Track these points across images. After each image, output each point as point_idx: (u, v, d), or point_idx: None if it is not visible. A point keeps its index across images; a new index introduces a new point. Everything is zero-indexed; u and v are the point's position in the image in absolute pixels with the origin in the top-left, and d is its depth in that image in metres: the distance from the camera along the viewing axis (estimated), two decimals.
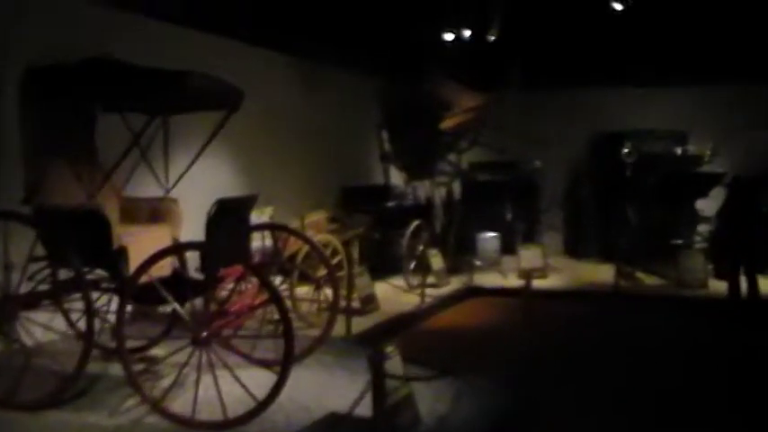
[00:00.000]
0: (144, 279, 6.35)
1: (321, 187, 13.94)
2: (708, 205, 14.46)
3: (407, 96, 15.31)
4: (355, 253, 11.90)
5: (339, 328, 9.04)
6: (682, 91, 16.77)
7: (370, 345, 8.83)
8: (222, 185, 10.88)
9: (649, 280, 14.01)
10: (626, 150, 15.02)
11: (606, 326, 11.35)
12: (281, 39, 13.05)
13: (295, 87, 13.92)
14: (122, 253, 6.73)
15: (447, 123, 14.57)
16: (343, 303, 9.20)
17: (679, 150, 15.33)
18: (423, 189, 16.07)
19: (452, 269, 14.23)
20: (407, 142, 15.34)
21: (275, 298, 6.12)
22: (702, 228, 14.73)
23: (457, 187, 17.06)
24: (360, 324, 10.03)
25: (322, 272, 9.90)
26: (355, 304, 10.60)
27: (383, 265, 13.26)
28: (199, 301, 6.99)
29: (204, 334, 6.19)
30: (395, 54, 15.05)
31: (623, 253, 14.18)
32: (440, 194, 16.60)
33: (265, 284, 6.27)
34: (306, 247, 9.54)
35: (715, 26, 14.22)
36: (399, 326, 10.55)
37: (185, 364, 6.32)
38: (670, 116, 16.54)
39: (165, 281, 6.74)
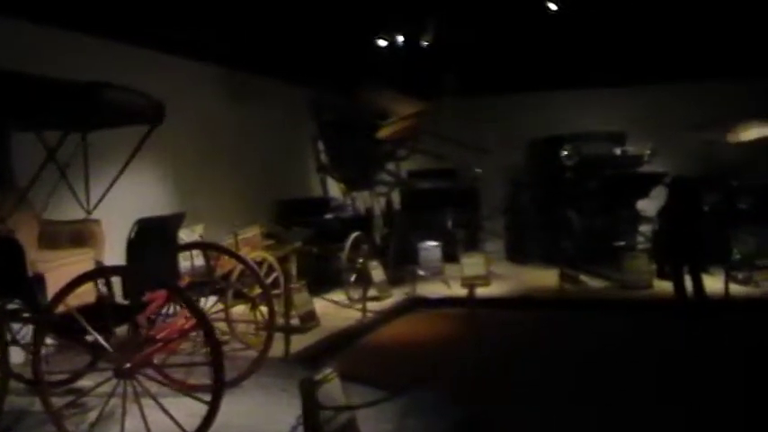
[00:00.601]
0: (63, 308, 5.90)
1: (256, 202, 13.50)
2: (649, 205, 14.40)
3: (342, 106, 14.96)
4: (293, 269, 11.49)
5: (278, 348, 8.69)
6: (618, 92, 16.78)
7: (310, 365, 8.54)
8: (150, 204, 10.39)
9: (594, 283, 13.83)
10: (565, 153, 14.88)
11: (552, 332, 11.11)
12: (209, 49, 12.67)
13: (225, 99, 13.50)
14: (39, 281, 6.25)
15: (384, 132, 14.24)
16: (281, 322, 8.83)
17: (618, 151, 15.20)
18: (362, 200, 15.72)
19: (395, 280, 13.91)
20: (344, 153, 14.97)
21: (202, 322, 5.71)
22: (644, 228, 14.65)
23: (396, 196, 16.75)
24: (300, 342, 9.63)
25: (258, 290, 9.51)
26: (295, 322, 10.24)
27: (323, 280, 12.88)
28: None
29: (127, 365, 5.74)
30: (328, 63, 14.72)
31: (566, 257, 14.03)
32: (379, 205, 16.29)
33: (191, 308, 5.85)
34: (240, 266, 9.16)
35: (649, 26, 14.21)
36: (341, 343, 10.18)
37: (110, 396, 5.89)
38: (608, 117, 16.52)
39: (88, 308, 6.27)
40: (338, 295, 12.60)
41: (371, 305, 12.07)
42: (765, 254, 13.36)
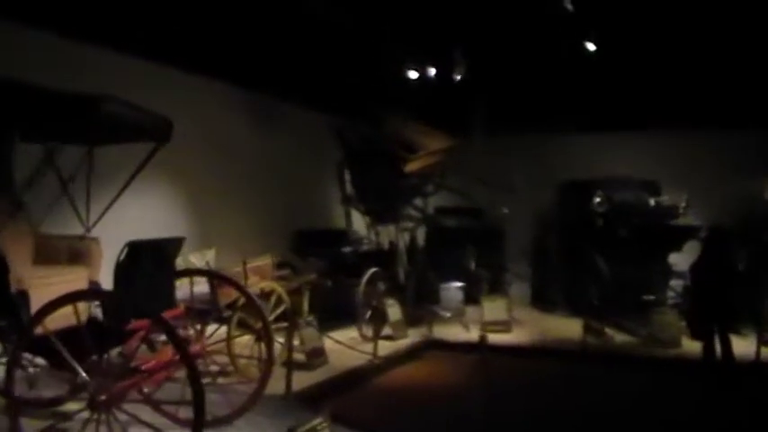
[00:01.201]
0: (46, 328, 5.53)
1: (274, 230, 13.15)
2: (681, 259, 13.82)
3: (370, 136, 14.57)
4: (305, 302, 11.07)
5: (281, 385, 8.27)
6: (653, 137, 16.31)
7: (310, 406, 8.10)
8: (159, 226, 10.10)
9: (619, 337, 13.22)
10: (597, 200, 14.32)
11: (571, 387, 10.53)
12: (235, 72, 12.41)
13: (248, 123, 13.26)
14: (22, 298, 5.88)
15: (412, 166, 13.86)
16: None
17: (652, 201, 14.62)
18: (387, 234, 15.29)
19: (413, 320, 13.42)
20: (370, 185, 14.58)
21: (184, 357, 5.29)
22: (675, 283, 14.03)
23: (422, 233, 16.31)
24: (304, 380, 9.20)
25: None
26: (301, 358, 9.82)
27: (337, 316, 12.43)
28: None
29: (102, 397, 5.33)
30: (357, 92, 14.41)
31: (592, 307, 13.45)
32: (404, 240, 15.86)
33: (173, 341, 5.43)
34: None
35: (688, 70, 13.76)
36: (346, 383, 9.68)
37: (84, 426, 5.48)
38: (641, 163, 15.98)
39: (73, 331, 5.87)
40: (352, 332, 12.12)
41: (385, 345, 11.63)
42: None
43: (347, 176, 14.95)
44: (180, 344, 5.44)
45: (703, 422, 9.04)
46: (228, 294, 8.81)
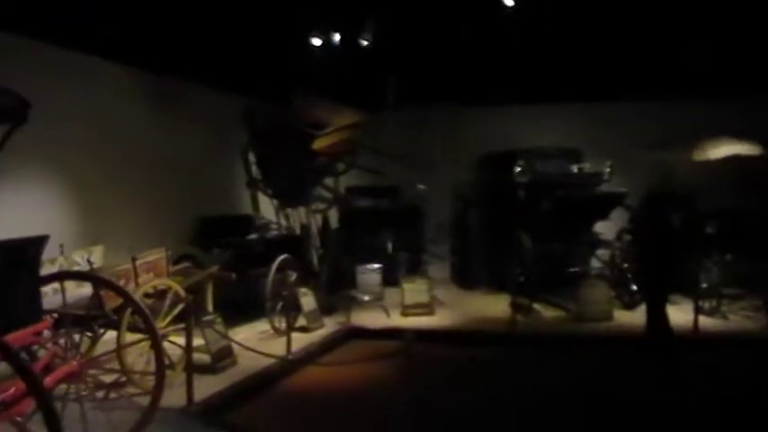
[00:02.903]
0: None
1: (174, 220, 11.99)
2: (607, 228, 13.23)
3: (275, 114, 13.60)
4: (209, 297, 10.02)
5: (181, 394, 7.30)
6: (574, 107, 15.78)
7: (215, 418, 7.15)
8: (39, 222, 8.94)
9: (548, 313, 12.56)
10: (518, 169, 13.56)
11: (501, 372, 9.79)
12: (127, 50, 11.26)
13: (142, 105, 12.16)
14: None
15: (319, 144, 12.92)
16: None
17: (575, 169, 13.96)
18: (298, 218, 14.33)
19: (328, 308, 12.54)
20: (277, 166, 13.63)
21: (28, 385, 4.26)
22: (602, 252, 13.42)
23: (335, 215, 15.37)
24: (210, 386, 8.20)
25: (161, 323, 8.08)
26: (206, 359, 8.82)
27: (245, 309, 11.45)
28: None
29: None
30: (260, 68, 13.39)
31: (518, 284, 12.75)
32: (317, 223, 14.91)
33: (14, 367, 4.37)
34: (138, 294, 7.72)
35: (607, 39, 13.20)
36: (258, 386, 8.68)
37: None
38: (562, 134, 15.48)
39: None
40: (264, 326, 11.14)
41: (300, 337, 10.72)
42: (734, 283, 12.21)
43: (252, 158, 13.93)
44: (24, 370, 4.36)
45: (645, 400, 8.38)
46: (116, 297, 7.75)
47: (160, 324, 8.08)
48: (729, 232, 12.54)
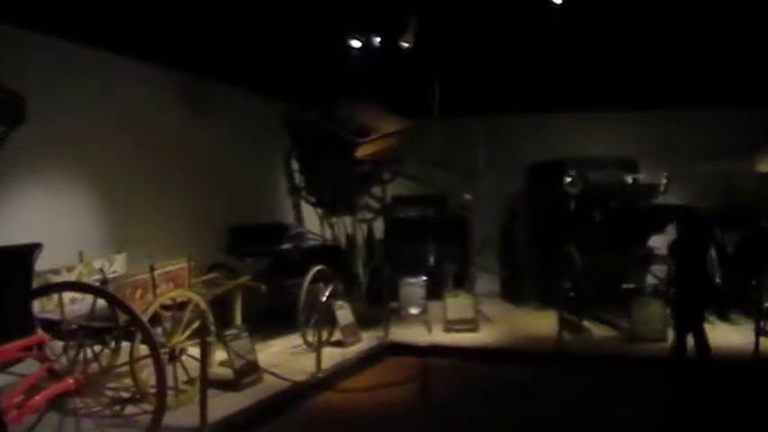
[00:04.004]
0: None
1: (206, 228, 11.60)
2: (664, 243, 12.50)
3: (319, 120, 13.18)
4: (238, 309, 9.61)
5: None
6: (628, 116, 15.12)
7: None
8: (60, 228, 8.73)
9: (598, 331, 11.90)
10: (569, 180, 12.92)
11: (543, 394, 9.20)
12: (165, 51, 10.93)
13: (181, 109, 11.91)
14: None
15: (363, 151, 12.48)
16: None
17: (629, 179, 13.27)
18: (342, 227, 13.91)
19: (369, 321, 12.03)
20: (320, 173, 13.22)
21: None
22: (657, 268, 12.68)
23: (380, 225, 14.89)
24: (230, 404, 7.78)
25: (179, 336, 7.70)
26: (230, 374, 8.42)
27: (281, 321, 11.03)
28: None
29: None
30: (303, 72, 13.00)
31: (567, 300, 12.11)
32: (363, 233, 14.48)
33: None
34: (154, 306, 7.35)
35: (664, 45, 12.61)
36: (283, 405, 8.21)
37: None
38: (616, 144, 14.74)
39: None
40: (299, 340, 10.66)
41: (334, 352, 10.27)
42: None
43: (295, 165, 13.55)
44: None
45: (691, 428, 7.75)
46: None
47: (178, 338, 7.71)
48: None
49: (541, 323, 12.29)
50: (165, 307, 7.66)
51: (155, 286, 7.69)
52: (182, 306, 7.84)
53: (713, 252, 12.50)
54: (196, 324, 7.71)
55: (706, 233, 10.71)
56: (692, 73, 13.30)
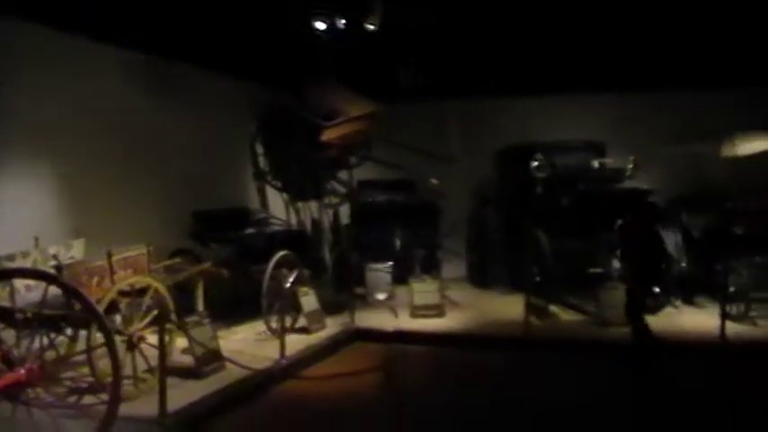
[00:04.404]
0: None
1: (172, 213, 11.42)
2: None
3: (284, 104, 12.98)
4: (200, 296, 9.43)
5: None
6: (597, 99, 14.98)
7: (192, 429, 6.57)
8: (15, 212, 8.49)
9: (565, 316, 11.85)
10: (536, 164, 12.82)
11: (510, 379, 9.14)
12: (126, 32, 10.69)
13: (142, 91, 11.57)
14: None
15: (329, 135, 12.30)
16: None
17: (596, 164, 13.21)
18: (308, 212, 13.75)
19: (334, 307, 11.87)
20: (286, 157, 13.03)
21: None
22: None
23: (346, 210, 14.74)
24: (191, 393, 7.61)
25: (138, 324, 7.52)
26: (188, 361, 8.26)
27: (246, 308, 10.85)
28: None
29: None
30: (270, 55, 12.79)
31: (534, 284, 12.04)
32: (329, 218, 14.31)
33: None
34: (111, 293, 7.16)
35: (632, 28, 12.59)
36: (245, 394, 8.05)
37: None
38: (585, 127, 14.65)
39: None
40: (261, 326, 10.50)
41: (298, 339, 10.15)
42: (764, 286, 11.42)
43: (260, 149, 13.37)
44: None
45: (658, 410, 7.81)
46: (88, 293, 7.18)
47: (137, 325, 7.53)
48: (759, 233, 11.73)
49: (509, 308, 12.19)
50: (123, 293, 7.46)
51: (112, 272, 7.50)
52: (141, 293, 7.65)
53: (678, 235, 12.55)
54: (155, 311, 7.54)
55: (653, 216, 10.72)
56: (661, 56, 13.31)
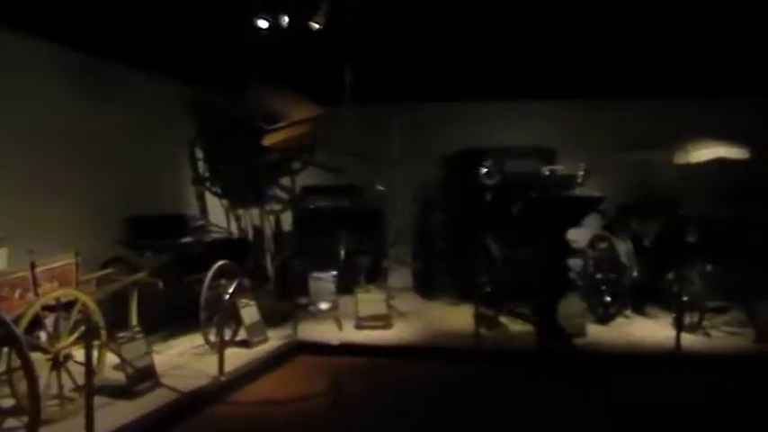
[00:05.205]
0: None
1: (105, 219, 10.86)
2: (580, 235, 12.22)
3: (224, 106, 12.52)
4: (134, 309, 8.87)
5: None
6: (546, 105, 14.82)
7: None
8: None
9: (515, 326, 11.53)
10: (485, 170, 12.52)
11: (463, 392, 8.76)
12: (55, 27, 10.13)
13: (71, 91, 10.96)
14: None
15: (272, 139, 11.86)
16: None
17: (547, 170, 12.95)
18: (249, 219, 13.26)
19: (276, 319, 11.41)
20: (226, 162, 12.53)
21: None
22: (574, 262, 12.37)
23: (288, 217, 14.29)
24: (121, 414, 7.09)
25: (65, 340, 6.99)
26: (120, 378, 7.74)
27: (184, 320, 10.34)
28: None
29: None
30: (209, 55, 12.33)
31: (483, 294, 11.73)
32: (271, 225, 13.83)
33: None
34: (34, 308, 6.62)
35: (583, 34, 12.55)
36: (181, 414, 7.54)
37: None
38: (534, 133, 14.46)
39: None
40: (199, 340, 9.99)
41: (239, 353, 9.68)
42: (717, 295, 11.26)
43: (199, 154, 12.86)
44: None
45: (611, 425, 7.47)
46: (12, 308, 6.64)
47: (64, 342, 6.99)
48: (712, 241, 11.58)
49: (457, 318, 11.90)
50: (47, 308, 6.92)
51: (36, 285, 6.95)
52: (68, 306, 7.11)
53: (630, 244, 12.35)
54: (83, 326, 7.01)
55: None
56: (611, 63, 13.24)
